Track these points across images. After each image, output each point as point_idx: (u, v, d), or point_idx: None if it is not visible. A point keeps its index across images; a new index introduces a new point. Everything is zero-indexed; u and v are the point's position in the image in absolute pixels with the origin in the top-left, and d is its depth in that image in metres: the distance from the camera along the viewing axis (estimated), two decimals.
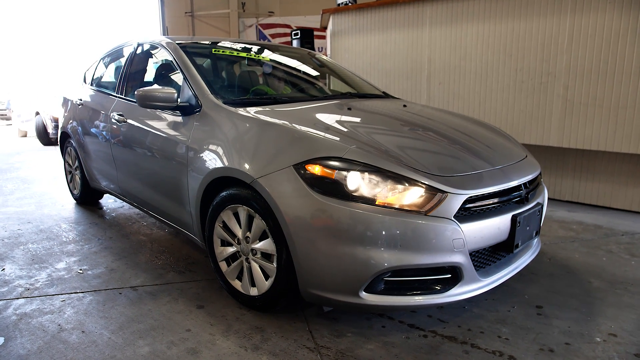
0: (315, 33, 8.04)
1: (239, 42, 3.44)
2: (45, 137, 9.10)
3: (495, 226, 1.94)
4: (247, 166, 2.05)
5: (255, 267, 2.15)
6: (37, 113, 9.37)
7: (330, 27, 5.50)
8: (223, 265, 2.32)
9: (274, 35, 11.45)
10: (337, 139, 2.00)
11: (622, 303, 2.30)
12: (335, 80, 3.58)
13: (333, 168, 1.85)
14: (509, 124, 4.12)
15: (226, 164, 2.15)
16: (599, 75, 3.61)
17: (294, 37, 6.50)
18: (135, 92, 2.54)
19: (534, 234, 2.22)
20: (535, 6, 3.85)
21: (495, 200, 1.99)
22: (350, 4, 5.26)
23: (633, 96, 3.48)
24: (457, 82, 4.42)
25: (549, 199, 4.20)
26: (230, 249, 2.26)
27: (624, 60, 3.49)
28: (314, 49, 6.61)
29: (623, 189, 3.86)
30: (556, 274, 2.64)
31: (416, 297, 1.85)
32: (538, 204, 2.22)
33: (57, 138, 8.59)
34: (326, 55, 5.52)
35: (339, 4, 5.45)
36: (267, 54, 3.42)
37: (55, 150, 8.23)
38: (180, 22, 11.42)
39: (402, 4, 4.66)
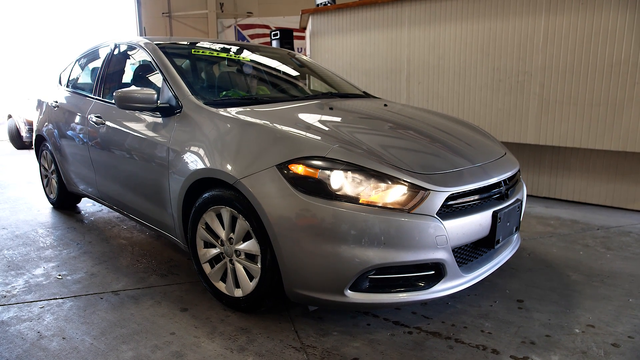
0: (295, 34, 8.04)
1: (218, 43, 3.42)
2: (18, 141, 8.87)
3: (477, 222, 1.97)
4: (229, 167, 2.04)
5: (240, 268, 2.13)
6: (10, 116, 9.12)
7: (309, 27, 5.50)
8: (206, 267, 2.30)
9: (252, 36, 11.39)
10: (320, 138, 2.01)
11: (599, 295, 2.36)
12: (316, 80, 3.59)
13: (316, 167, 1.85)
14: (487, 122, 4.19)
15: (208, 165, 2.14)
16: (573, 74, 3.70)
17: (273, 38, 6.48)
18: (114, 94, 2.50)
19: (514, 230, 2.26)
20: (511, 6, 3.93)
21: (476, 197, 2.02)
22: (329, 5, 5.27)
23: (605, 94, 3.58)
24: (436, 82, 4.47)
25: (527, 195, 4.29)
26: (214, 251, 2.24)
27: (597, 59, 3.58)
28: (293, 50, 6.60)
29: (597, 185, 3.96)
30: (535, 269, 2.70)
31: (401, 294, 1.87)
32: (517, 200, 2.26)
33: (30, 142, 8.39)
34: (306, 56, 5.53)
35: (318, 5, 5.46)
36: (247, 55, 3.41)
37: (30, 154, 8.03)
38: (157, 23, 11.25)
39: (381, 4, 4.70)
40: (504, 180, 2.20)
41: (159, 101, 2.50)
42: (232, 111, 2.31)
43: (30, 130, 8.30)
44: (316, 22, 5.29)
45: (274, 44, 6.42)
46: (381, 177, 1.84)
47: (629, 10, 3.42)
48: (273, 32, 6.49)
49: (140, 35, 11.34)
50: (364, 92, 3.47)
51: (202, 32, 11.52)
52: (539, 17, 3.80)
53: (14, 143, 9.07)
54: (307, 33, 5.75)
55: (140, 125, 2.67)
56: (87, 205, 4.23)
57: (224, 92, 2.88)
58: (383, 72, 4.84)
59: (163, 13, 11.27)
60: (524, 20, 3.88)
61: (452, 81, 4.36)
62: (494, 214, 2.03)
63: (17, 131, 8.81)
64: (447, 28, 4.31)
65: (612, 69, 3.53)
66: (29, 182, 5.39)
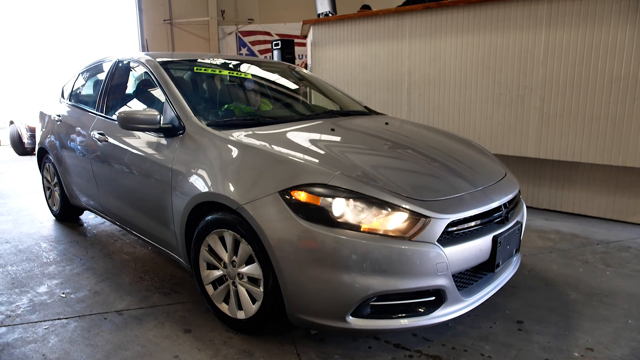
0: (296, 40, 8.07)
1: (220, 58, 3.44)
2: (20, 147, 8.89)
3: (477, 248, 1.99)
4: (232, 192, 2.06)
5: (242, 290, 2.16)
6: (12, 122, 9.15)
7: (310, 37, 5.52)
8: (209, 289, 2.32)
9: (254, 43, 11.41)
10: (322, 164, 2.03)
11: (598, 316, 2.38)
12: (317, 94, 3.61)
13: (318, 194, 1.87)
14: (488, 135, 4.21)
15: (211, 189, 2.16)
16: (574, 88, 3.72)
17: (274, 48, 6.52)
18: (117, 115, 2.52)
19: (514, 252, 2.29)
20: (512, 20, 3.95)
21: (478, 222, 2.04)
22: (330, 15, 5.29)
23: (605, 109, 3.60)
24: (436, 94, 4.49)
25: (527, 207, 4.30)
26: (217, 273, 2.26)
27: (597, 74, 3.60)
28: (294, 58, 6.64)
29: (598, 198, 3.98)
30: (535, 287, 2.71)
31: (402, 320, 1.89)
32: (517, 222, 2.28)
33: (32, 147, 8.42)
34: (307, 64, 5.55)
35: (319, 15, 5.48)
36: (249, 71, 3.43)
37: (31, 161, 8.05)
38: (159, 30, 11.27)
39: (382, 16, 4.72)
40: (505, 204, 2.21)
41: (161, 122, 2.52)
42: (235, 134, 2.33)
43: (32, 136, 8.32)
44: (317, 33, 5.31)
45: (276, 53, 6.46)
46: (383, 204, 1.86)
47: (629, 25, 3.44)
48: (274, 42, 6.52)
49: (142, 43, 11.35)
50: (365, 107, 3.49)
51: (204, 39, 11.54)
52: (539, 31, 3.82)
53: (15, 149, 9.10)
54: (308, 42, 5.77)
55: (143, 145, 2.69)
56: (89, 218, 4.25)
57: (226, 113, 2.90)
58: (384, 84, 4.86)
59: (164, 20, 11.29)
60: (525, 35, 3.90)
61: (453, 93, 4.38)
62: (494, 239, 2.05)
63: (19, 137, 8.84)
64: (448, 41, 4.33)
65: (612, 84, 3.55)
66: (31, 192, 5.41)
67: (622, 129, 3.56)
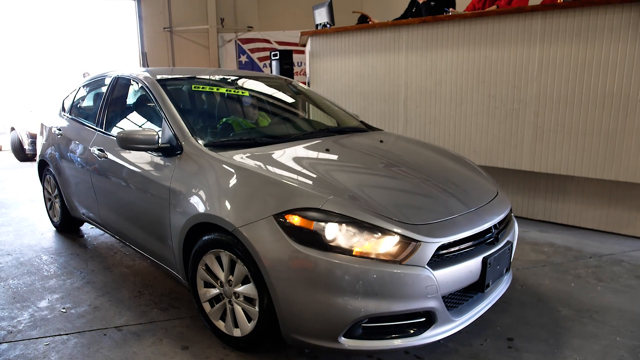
0: (295, 48, 8.15)
1: (218, 74, 3.50)
2: (21, 153, 8.95)
3: (467, 269, 2.04)
4: (228, 214, 2.11)
5: (238, 309, 2.21)
6: (13, 129, 9.21)
7: (308, 48, 5.58)
8: (207, 306, 2.37)
9: (253, 50, 11.48)
10: (315, 188, 2.08)
11: (587, 333, 2.43)
12: (315, 109, 3.66)
13: (312, 219, 1.93)
14: (483, 148, 4.26)
15: (208, 210, 2.21)
16: (567, 103, 3.78)
17: (273, 58, 6.59)
18: (117, 134, 2.58)
19: (505, 271, 2.34)
20: (507, 35, 4.00)
21: (468, 244, 2.09)
22: (328, 26, 5.35)
23: (598, 124, 3.65)
24: (432, 107, 4.55)
25: (522, 218, 4.36)
26: (214, 291, 2.31)
27: (590, 90, 3.66)
28: (292, 68, 6.69)
29: (592, 210, 4.03)
30: (527, 303, 2.76)
31: (393, 341, 1.94)
32: (508, 242, 2.33)
33: (33, 154, 8.49)
34: (306, 72, 5.61)
35: (317, 25, 5.54)
36: (247, 87, 3.48)
37: (32, 167, 8.11)
38: (158, 38, 11.32)
39: (379, 28, 4.78)
40: (495, 225, 2.26)
41: (160, 141, 2.57)
42: (232, 156, 2.38)
43: (33, 143, 8.38)
44: (315, 44, 5.37)
45: (274, 64, 6.53)
46: (374, 229, 1.91)
47: (622, 41, 3.49)
48: (273, 53, 6.60)
49: (141, 50, 11.38)
50: (361, 122, 3.54)
51: (203, 47, 11.60)
52: (533, 46, 3.88)
53: (16, 155, 9.16)
54: (307, 52, 5.83)
55: (142, 162, 2.74)
56: (89, 229, 4.30)
57: (224, 128, 2.95)
58: (381, 95, 4.92)
59: (164, 28, 11.35)
60: (519, 49, 3.95)
61: (449, 106, 4.43)
62: (484, 260, 2.09)
63: (20, 143, 8.90)
64: (444, 54, 4.38)
65: (605, 100, 3.60)
66: (31, 201, 5.46)
67: (614, 144, 3.61)
